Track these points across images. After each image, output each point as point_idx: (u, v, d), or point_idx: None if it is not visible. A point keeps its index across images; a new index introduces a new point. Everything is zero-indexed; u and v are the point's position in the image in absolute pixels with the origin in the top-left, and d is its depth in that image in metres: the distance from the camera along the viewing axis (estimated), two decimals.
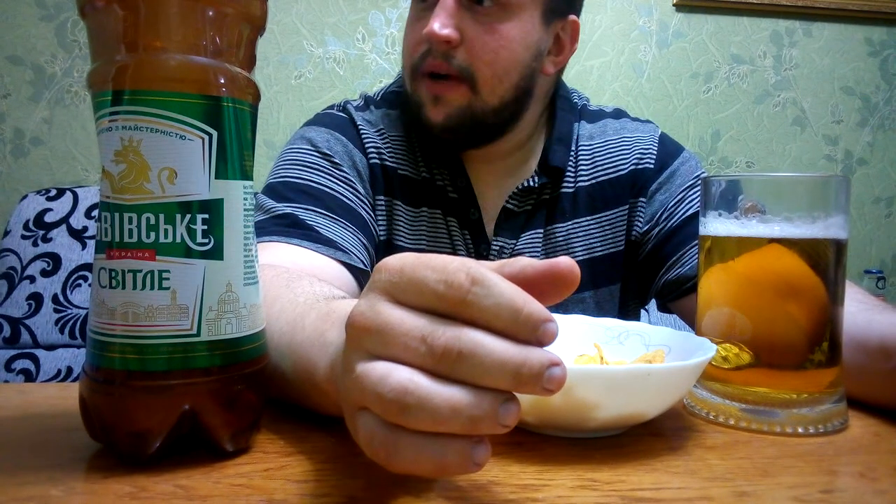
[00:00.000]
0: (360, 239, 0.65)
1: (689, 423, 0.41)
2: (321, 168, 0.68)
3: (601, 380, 0.33)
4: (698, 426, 0.40)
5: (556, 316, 0.48)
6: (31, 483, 0.30)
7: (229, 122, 0.32)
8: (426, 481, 0.31)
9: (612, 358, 0.44)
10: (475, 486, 0.30)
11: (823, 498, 0.30)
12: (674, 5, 1.73)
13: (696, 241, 0.66)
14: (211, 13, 0.31)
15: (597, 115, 0.77)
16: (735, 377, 0.41)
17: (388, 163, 0.71)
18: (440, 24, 0.61)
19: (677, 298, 0.71)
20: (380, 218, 0.71)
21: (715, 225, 0.42)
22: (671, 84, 1.76)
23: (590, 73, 1.72)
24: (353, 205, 0.67)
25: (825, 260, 0.40)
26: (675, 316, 0.82)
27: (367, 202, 0.69)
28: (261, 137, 1.61)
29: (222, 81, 0.31)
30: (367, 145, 0.71)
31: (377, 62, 1.65)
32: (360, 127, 0.72)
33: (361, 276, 0.64)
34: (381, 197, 0.71)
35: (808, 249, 0.40)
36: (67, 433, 0.35)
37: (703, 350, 0.38)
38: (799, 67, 1.80)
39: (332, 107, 0.77)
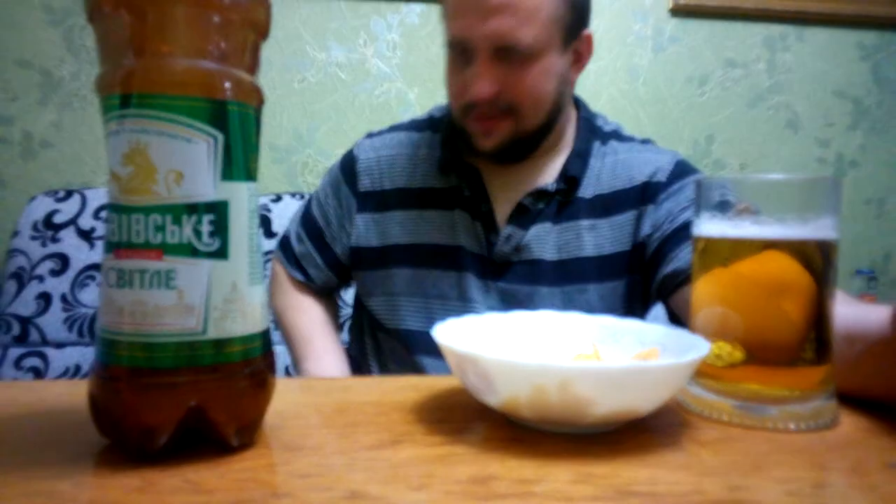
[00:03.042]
0: (324, 261, 0.89)
1: (683, 419, 0.41)
2: (319, 205, 0.90)
3: (597, 377, 0.34)
4: (692, 422, 0.40)
5: (552, 314, 0.50)
6: (41, 477, 0.30)
7: (234, 125, 0.32)
8: (426, 475, 0.31)
9: (608, 355, 0.45)
10: (474, 479, 0.31)
11: (814, 492, 0.31)
12: (669, 10, 1.75)
13: None
14: (217, 19, 0.32)
15: (626, 139, 0.86)
16: (728, 374, 0.41)
17: (386, 185, 0.85)
18: (482, 88, 0.72)
19: (674, 291, 0.74)
20: (371, 230, 0.85)
21: (708, 226, 0.43)
22: (666, 88, 1.77)
23: (586, 77, 1.73)
24: (328, 236, 0.89)
25: (816, 260, 0.41)
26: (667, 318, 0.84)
27: (338, 233, 0.88)
28: (264, 140, 1.61)
29: (228, 85, 0.32)
30: (360, 176, 0.86)
31: (379, 66, 1.66)
32: (358, 160, 0.87)
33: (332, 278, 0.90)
34: (375, 213, 0.84)
35: (800, 250, 0.41)
36: (76, 429, 0.36)
37: (697, 348, 0.38)
38: (792, 72, 1.81)
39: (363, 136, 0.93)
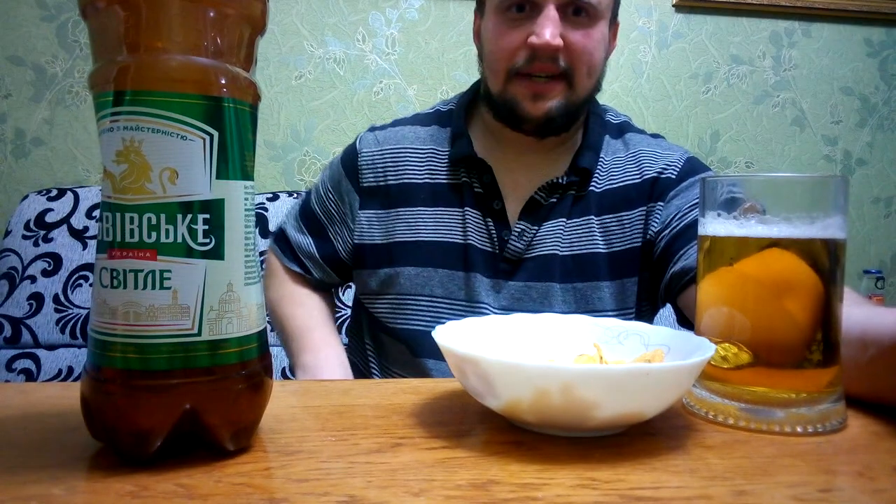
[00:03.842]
0: (323, 256, 0.88)
1: (688, 422, 0.41)
2: (319, 199, 0.89)
3: (601, 379, 0.33)
4: (697, 425, 0.40)
5: (555, 316, 0.49)
6: (32, 482, 0.30)
7: (230, 122, 0.32)
8: (426, 480, 0.31)
9: (612, 357, 0.45)
10: (475, 484, 0.30)
11: (822, 497, 0.30)
12: (673, 6, 1.74)
13: None
14: (212, 14, 0.31)
15: (636, 131, 0.86)
16: (734, 377, 0.41)
17: (390, 180, 0.83)
18: (552, 35, 0.72)
19: (682, 290, 0.74)
20: (374, 227, 0.83)
21: (714, 225, 0.42)
22: (670, 84, 1.76)
23: None
24: (327, 231, 0.88)
25: (823, 260, 0.40)
26: (674, 318, 0.83)
27: (339, 229, 0.87)
28: (261, 138, 1.61)
29: (223, 82, 0.31)
30: (362, 171, 0.85)
31: (377, 62, 1.65)
32: (360, 154, 0.86)
33: (328, 272, 0.89)
34: (379, 210, 0.83)
35: (807, 249, 0.40)
36: (69, 432, 0.36)
37: (702, 350, 0.38)
38: (798, 68, 1.80)
39: (369, 128, 0.91)
